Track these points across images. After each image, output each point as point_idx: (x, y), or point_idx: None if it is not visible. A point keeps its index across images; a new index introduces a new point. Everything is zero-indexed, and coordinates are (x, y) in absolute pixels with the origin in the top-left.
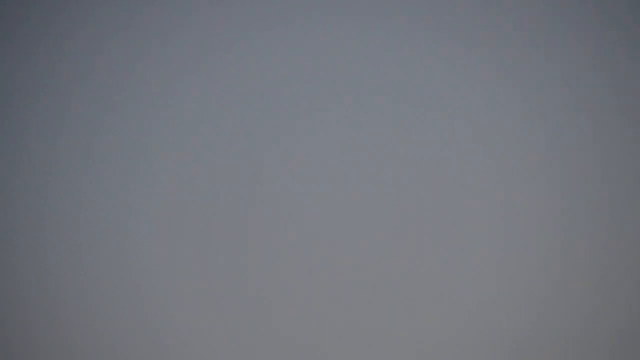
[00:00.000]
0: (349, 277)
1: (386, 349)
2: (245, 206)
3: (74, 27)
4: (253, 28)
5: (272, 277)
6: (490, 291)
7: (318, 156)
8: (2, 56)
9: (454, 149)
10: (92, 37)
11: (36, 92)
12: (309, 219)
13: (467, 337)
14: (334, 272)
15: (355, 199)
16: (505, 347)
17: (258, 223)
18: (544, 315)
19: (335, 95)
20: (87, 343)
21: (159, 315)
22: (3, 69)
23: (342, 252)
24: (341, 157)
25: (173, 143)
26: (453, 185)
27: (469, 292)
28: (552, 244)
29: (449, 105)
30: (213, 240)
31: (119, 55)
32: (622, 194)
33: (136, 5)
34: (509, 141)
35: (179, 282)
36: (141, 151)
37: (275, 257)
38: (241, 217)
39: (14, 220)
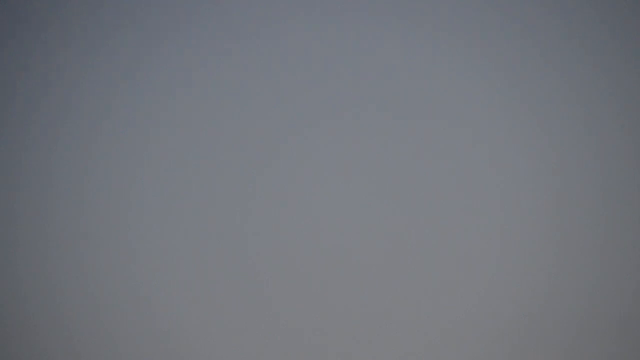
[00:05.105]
0: (350, 276)
1: (386, 345)
2: (248, 205)
3: (76, 25)
4: (255, 28)
5: (275, 277)
6: (490, 291)
7: (320, 156)
8: (3, 55)
9: (455, 150)
10: (94, 35)
11: (37, 92)
12: (311, 218)
13: (467, 336)
14: (335, 271)
15: (357, 196)
16: (505, 345)
17: (260, 222)
18: (543, 314)
19: (336, 95)
20: (89, 338)
21: (161, 313)
22: (4, 68)
23: (343, 250)
24: (342, 157)
25: (175, 143)
26: (454, 186)
27: (469, 292)
28: (552, 244)
29: (450, 107)
30: (216, 239)
31: (122, 54)
32: (622, 195)
33: (140, 5)
34: (509, 142)
35: (181, 279)
36: (144, 151)
37: (278, 257)
38: (244, 217)
39: (16, 221)
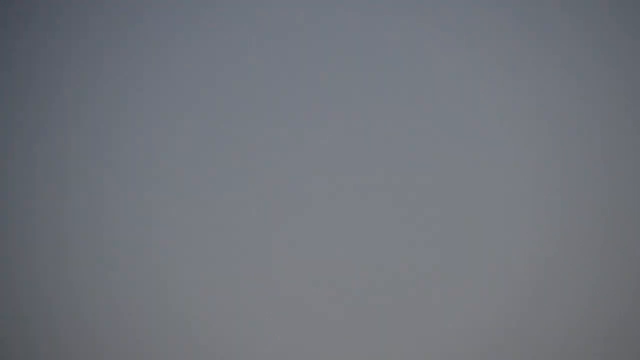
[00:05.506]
0: (350, 276)
1: (386, 346)
2: (252, 206)
3: (81, 29)
4: (256, 28)
5: (277, 277)
6: (490, 291)
7: (321, 155)
8: (17, 55)
9: (455, 150)
10: (101, 33)
11: (43, 97)
12: (313, 218)
13: (467, 336)
14: (336, 270)
15: (356, 196)
16: (505, 345)
17: (263, 222)
18: (543, 314)
19: (338, 93)
20: (106, 331)
21: (176, 309)
22: (15, 67)
23: (344, 250)
24: (343, 157)
25: (179, 142)
26: (454, 186)
27: (469, 292)
28: (552, 244)
29: (451, 107)
30: (223, 240)
31: (123, 55)
32: (623, 195)
33: (141, 8)
34: (509, 142)
35: (190, 278)
36: (148, 152)
37: (281, 258)
38: (246, 217)
39: (32, 219)
